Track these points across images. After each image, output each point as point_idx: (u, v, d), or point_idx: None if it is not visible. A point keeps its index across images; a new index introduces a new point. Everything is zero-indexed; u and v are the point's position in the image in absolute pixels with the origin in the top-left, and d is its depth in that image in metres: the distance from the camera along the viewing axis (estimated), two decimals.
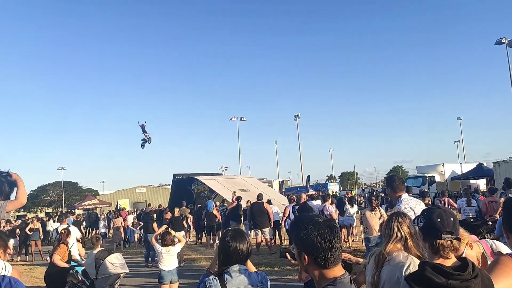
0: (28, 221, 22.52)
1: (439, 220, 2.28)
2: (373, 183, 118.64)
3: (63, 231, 8.97)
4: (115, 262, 7.77)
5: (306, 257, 2.05)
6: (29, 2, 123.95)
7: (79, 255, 10.13)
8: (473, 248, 3.32)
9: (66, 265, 8.50)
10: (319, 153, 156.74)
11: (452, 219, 2.31)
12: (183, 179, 31.30)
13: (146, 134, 29.01)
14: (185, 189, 30.54)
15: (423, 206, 5.03)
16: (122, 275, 7.93)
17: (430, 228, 2.31)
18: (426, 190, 14.29)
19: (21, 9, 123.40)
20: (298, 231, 2.08)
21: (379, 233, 9.62)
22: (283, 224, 16.38)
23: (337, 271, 2.07)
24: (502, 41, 33.07)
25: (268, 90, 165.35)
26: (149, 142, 29.24)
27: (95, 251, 8.11)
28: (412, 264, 3.15)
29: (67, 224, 11.00)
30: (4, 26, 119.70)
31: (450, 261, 2.25)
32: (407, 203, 5.08)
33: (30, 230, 20.07)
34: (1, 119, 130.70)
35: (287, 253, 3.44)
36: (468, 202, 12.07)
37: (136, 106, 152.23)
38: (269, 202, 17.64)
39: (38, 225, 20.75)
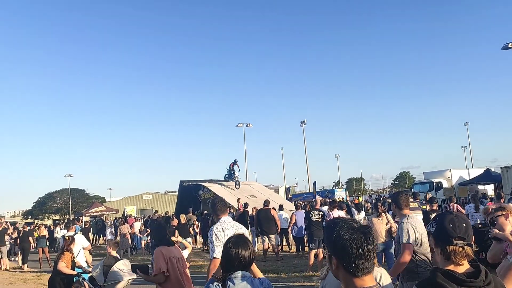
0: (35, 228, 22.57)
1: (450, 225, 2.26)
2: (380, 189, 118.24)
3: (67, 238, 8.98)
4: (123, 269, 7.78)
5: (336, 261, 1.95)
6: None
7: (86, 262, 10.12)
8: None
9: (73, 272, 8.50)
10: (325, 159, 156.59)
11: (464, 224, 2.27)
12: (190, 186, 31.28)
13: (236, 175, 28.90)
14: (192, 195, 30.52)
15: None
16: (129, 281, 7.92)
17: (442, 233, 2.28)
18: (433, 196, 14.16)
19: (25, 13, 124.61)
20: (331, 233, 1.97)
21: (386, 239, 9.56)
22: (290, 230, 16.34)
23: (367, 281, 1.94)
24: (509, 46, 32.94)
25: (274, 96, 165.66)
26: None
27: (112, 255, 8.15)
28: (383, 274, 3.14)
29: (74, 231, 11.00)
30: (12, 29, 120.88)
31: (462, 268, 2.21)
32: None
33: (38, 237, 20.13)
34: (10, 126, 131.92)
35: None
36: (476, 207, 11.97)
37: (143, 114, 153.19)
38: (280, 207, 17.61)
39: (45, 232, 20.81)
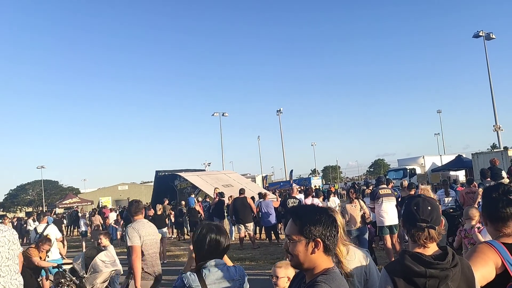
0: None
1: (415, 208, 2.29)
2: (356, 176, 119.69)
3: (44, 236, 8.80)
4: (105, 260, 7.67)
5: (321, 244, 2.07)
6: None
7: (60, 253, 9.96)
8: None
9: (52, 264, 8.39)
10: (302, 147, 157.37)
11: (429, 207, 2.29)
12: (166, 176, 31.10)
13: None
14: (168, 185, 30.35)
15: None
16: (112, 272, 7.83)
17: (407, 216, 2.32)
18: (412, 182, 14.42)
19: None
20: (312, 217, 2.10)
21: (360, 225, 9.69)
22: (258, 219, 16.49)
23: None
24: (480, 34, 33.63)
25: (250, 85, 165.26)
26: None
27: (106, 248, 8.03)
28: (367, 253, 3.22)
29: (47, 222, 10.77)
30: None
31: (430, 250, 2.24)
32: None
33: None
34: None
35: None
36: (446, 193, 12.27)
37: (116, 101, 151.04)
38: (253, 198, 17.65)
39: (9, 225, 20.39)
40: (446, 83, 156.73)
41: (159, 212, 16.74)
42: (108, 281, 7.88)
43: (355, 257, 3.14)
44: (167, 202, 23.23)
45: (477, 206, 6.52)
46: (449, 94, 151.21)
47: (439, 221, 2.31)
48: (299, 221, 2.10)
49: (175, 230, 22.70)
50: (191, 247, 3.51)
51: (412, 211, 2.30)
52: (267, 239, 16.79)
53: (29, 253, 8.25)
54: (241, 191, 16.81)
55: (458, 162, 34.98)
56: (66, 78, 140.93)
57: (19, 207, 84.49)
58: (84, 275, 7.51)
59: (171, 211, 21.99)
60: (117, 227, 22.46)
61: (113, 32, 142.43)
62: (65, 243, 10.97)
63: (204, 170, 39.82)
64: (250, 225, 16.05)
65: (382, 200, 10.38)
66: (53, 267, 8.37)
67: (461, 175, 36.15)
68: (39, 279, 8.53)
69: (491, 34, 33.73)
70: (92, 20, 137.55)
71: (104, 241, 8.21)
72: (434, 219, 2.27)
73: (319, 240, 2.05)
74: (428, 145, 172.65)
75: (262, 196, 16.87)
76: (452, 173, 36.75)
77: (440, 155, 42.78)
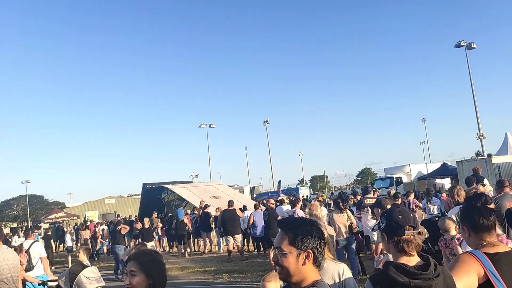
0: None
1: (400, 216, 2.32)
2: (343, 185, 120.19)
3: (14, 249, 8.63)
4: (91, 276, 7.55)
5: (312, 255, 2.09)
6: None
7: (44, 271, 9.80)
8: None
9: (37, 281, 8.26)
10: (289, 157, 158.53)
11: (411, 215, 2.36)
12: (153, 188, 30.90)
13: None
14: (155, 198, 30.15)
15: None
16: None
17: (394, 226, 2.33)
18: (396, 191, 14.56)
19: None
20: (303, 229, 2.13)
21: (347, 235, 9.73)
22: (248, 231, 16.33)
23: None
24: (461, 44, 34.20)
25: (237, 96, 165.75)
26: None
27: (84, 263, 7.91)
28: (345, 269, 3.23)
29: (34, 239, 10.61)
30: None
31: (414, 260, 2.28)
32: None
33: None
34: None
35: None
36: (427, 202, 12.46)
37: (102, 114, 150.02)
38: (244, 208, 17.61)
39: None
40: (430, 92, 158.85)
41: (146, 226, 16.63)
42: None
43: (326, 272, 3.15)
44: (155, 215, 23.09)
45: (451, 216, 6.54)
46: (433, 103, 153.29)
47: (419, 227, 2.37)
48: (290, 233, 2.10)
49: (165, 244, 22.55)
50: None
51: (398, 220, 2.33)
52: (256, 250, 16.74)
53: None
54: (230, 202, 16.77)
55: (444, 170, 35.34)
56: (50, 91, 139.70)
57: (3, 222, 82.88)
58: None
59: (159, 224, 21.86)
60: (103, 241, 22.24)
61: (100, 42, 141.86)
62: (47, 262, 10.77)
63: (191, 182, 39.66)
64: (239, 237, 16.00)
65: (368, 210, 10.44)
66: (38, 284, 8.25)
67: (446, 183, 36.51)
68: None
69: (472, 44, 34.31)
70: (69, 31, 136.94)
71: (82, 256, 8.11)
72: (418, 225, 2.34)
73: (310, 251, 2.07)
74: (414, 153, 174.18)
75: (255, 207, 16.76)
76: (438, 181, 37.11)
77: (426, 163, 43.21)
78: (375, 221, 8.17)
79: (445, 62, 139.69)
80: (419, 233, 2.32)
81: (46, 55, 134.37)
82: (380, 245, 6.83)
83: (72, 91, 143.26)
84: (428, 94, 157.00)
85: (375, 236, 7.17)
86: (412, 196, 14.54)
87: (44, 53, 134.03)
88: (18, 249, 8.53)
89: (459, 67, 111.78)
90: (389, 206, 6.82)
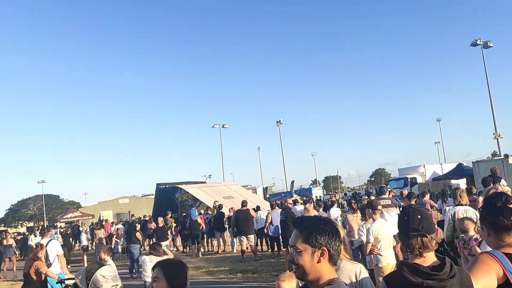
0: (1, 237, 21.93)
1: (405, 218, 2.35)
2: (357, 186, 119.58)
3: (34, 246, 8.78)
4: (107, 275, 7.63)
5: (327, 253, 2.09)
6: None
7: (61, 267, 9.96)
8: None
9: (57, 277, 8.41)
10: (302, 158, 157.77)
11: (419, 216, 2.34)
12: (166, 188, 31.06)
13: None
14: (169, 198, 30.29)
15: None
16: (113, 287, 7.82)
17: (400, 228, 2.39)
18: (411, 192, 14.45)
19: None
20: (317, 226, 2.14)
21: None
22: (266, 231, 16.34)
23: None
24: (477, 42, 33.82)
25: (250, 96, 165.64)
26: None
27: (106, 262, 8.02)
28: (362, 270, 3.22)
29: (50, 238, 10.80)
30: None
31: (428, 260, 2.28)
32: None
33: (4, 247, 19.70)
34: None
35: None
36: (443, 202, 12.33)
37: (117, 115, 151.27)
38: (258, 208, 17.65)
39: (11, 241, 20.35)
40: (445, 91, 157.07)
41: (160, 225, 16.75)
42: None
43: (343, 272, 3.15)
44: (170, 215, 23.25)
45: (469, 217, 6.49)
46: (448, 102, 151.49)
47: (431, 229, 2.34)
48: (304, 231, 2.12)
49: (178, 244, 22.69)
50: None
51: (403, 222, 2.36)
52: (270, 250, 16.76)
53: (37, 266, 8.28)
54: (244, 203, 16.83)
55: (459, 171, 34.94)
56: (66, 91, 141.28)
57: (20, 222, 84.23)
58: None
59: (173, 223, 21.99)
60: (117, 241, 22.46)
61: (112, 41, 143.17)
62: (64, 260, 10.94)
63: (205, 182, 39.78)
64: (252, 237, 16.04)
65: (382, 211, 10.38)
66: (57, 282, 8.39)
67: (462, 183, 36.07)
68: None
69: (488, 43, 33.91)
70: (82, 28, 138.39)
71: (104, 255, 8.22)
72: (425, 227, 2.32)
73: (325, 248, 2.07)
74: (428, 154, 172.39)
75: (272, 206, 16.79)
76: (453, 181, 36.67)
77: (441, 164, 42.73)
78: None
79: (461, 61, 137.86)
80: (422, 235, 2.30)
81: (63, 52, 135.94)
82: (369, 245, 6.85)
83: (88, 91, 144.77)
84: (443, 94, 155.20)
85: (363, 236, 7.17)
86: (427, 197, 14.42)
87: (61, 50, 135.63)
88: (39, 246, 8.70)
89: (475, 66, 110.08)
90: (380, 207, 6.85)
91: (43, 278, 8.26)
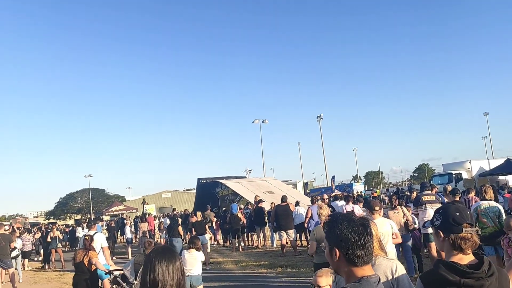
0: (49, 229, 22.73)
1: (457, 213, 2.29)
2: (399, 182, 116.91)
3: (87, 238, 9.15)
4: None
5: (338, 253, 2.05)
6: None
7: (106, 259, 10.34)
8: None
9: (105, 269, 8.76)
10: (343, 153, 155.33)
11: (469, 212, 2.32)
12: (208, 183, 31.53)
13: None
14: (210, 192, 30.76)
15: None
16: None
17: (450, 223, 2.29)
18: (455, 188, 14.02)
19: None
20: (332, 227, 2.10)
21: (403, 232, 9.54)
22: (306, 225, 16.34)
23: (367, 270, 2.06)
24: None
25: (290, 91, 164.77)
26: None
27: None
28: (398, 266, 3.18)
29: (96, 230, 11.22)
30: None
31: (467, 259, 2.24)
32: None
33: (50, 238, 20.40)
34: (32, 129, 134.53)
35: None
36: (495, 199, 11.86)
37: (160, 112, 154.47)
38: (296, 203, 17.65)
39: (57, 233, 21.09)
40: (493, 83, 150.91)
41: (198, 219, 17.04)
42: None
43: (378, 269, 3.10)
44: (210, 209, 23.58)
45: (491, 210, 6.28)
46: (496, 95, 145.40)
47: (476, 226, 2.32)
48: (326, 228, 2.16)
49: (219, 238, 22.98)
50: None
51: (455, 217, 2.29)
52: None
53: (90, 256, 8.65)
54: (284, 198, 16.87)
55: (507, 166, 33.61)
56: (113, 92, 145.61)
57: (68, 214, 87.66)
58: (134, 282, 7.78)
59: (213, 218, 22.29)
60: (161, 234, 22.99)
61: (158, 41, 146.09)
62: (109, 252, 11.32)
63: (245, 177, 40.10)
64: (292, 232, 16.05)
65: (426, 207, 10.17)
66: (105, 273, 8.73)
67: (510, 179, 34.73)
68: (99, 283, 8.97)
69: None
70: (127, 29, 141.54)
71: (149, 249, 8.46)
72: (475, 224, 2.30)
73: (336, 248, 2.06)
74: (475, 149, 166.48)
75: (312, 201, 16.77)
76: (501, 177, 35.35)
77: (488, 159, 41.31)
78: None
79: (510, 52, 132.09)
80: (477, 232, 2.28)
81: (106, 52, 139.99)
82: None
83: (133, 90, 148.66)
84: (490, 87, 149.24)
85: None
86: (473, 194, 13.92)
87: (105, 51, 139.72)
88: (90, 238, 9.09)
89: None
90: (377, 208, 6.76)
91: (93, 269, 8.62)
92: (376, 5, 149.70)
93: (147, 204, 48.90)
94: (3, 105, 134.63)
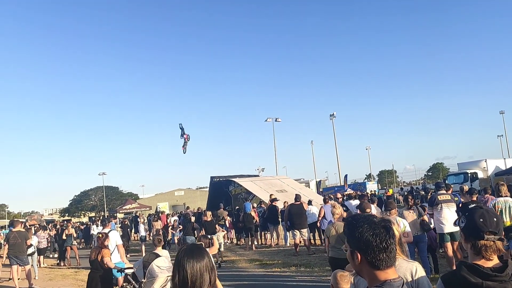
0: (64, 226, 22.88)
1: (481, 220, 2.24)
2: (413, 181, 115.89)
3: (100, 236, 9.20)
4: (162, 265, 7.90)
5: (359, 256, 1.98)
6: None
7: (120, 257, 10.41)
8: None
9: (117, 267, 8.83)
10: (356, 151, 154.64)
11: (495, 219, 2.26)
12: (220, 181, 31.53)
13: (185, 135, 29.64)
14: (223, 191, 30.77)
15: None
16: (168, 278, 8.06)
17: (473, 228, 2.26)
18: (472, 187, 13.81)
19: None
20: (353, 229, 2.03)
21: (418, 232, 9.45)
22: (319, 224, 16.27)
23: (390, 273, 1.99)
24: None
25: (303, 90, 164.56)
26: (185, 145, 29.97)
27: (156, 251, 8.31)
28: (418, 268, 3.13)
29: (110, 228, 11.31)
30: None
31: (491, 262, 2.20)
32: None
33: (65, 235, 20.54)
34: (46, 128, 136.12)
35: None
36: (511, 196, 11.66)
37: (173, 110, 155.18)
38: (309, 202, 17.61)
39: (72, 230, 21.24)
40: (509, 82, 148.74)
41: (208, 219, 17.09)
42: (166, 286, 8.11)
43: (397, 271, 3.06)
44: (222, 207, 23.60)
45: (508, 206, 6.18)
46: None
47: (502, 232, 2.27)
48: (346, 230, 2.09)
49: (232, 236, 22.99)
50: None
51: (478, 223, 2.25)
52: (323, 244, 16.66)
53: (103, 254, 8.72)
54: (298, 197, 16.83)
55: None
56: (125, 91, 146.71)
57: (82, 212, 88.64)
58: (142, 280, 7.80)
59: (226, 216, 22.30)
60: (174, 232, 23.09)
61: (170, 41, 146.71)
62: (123, 250, 11.39)
63: (258, 176, 40.04)
64: (305, 231, 16.01)
65: (441, 207, 10.05)
66: (117, 271, 8.79)
67: None
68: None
69: None
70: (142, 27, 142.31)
71: (156, 247, 8.46)
72: (501, 230, 2.24)
73: (357, 252, 1.99)
74: (491, 148, 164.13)
75: (324, 201, 16.72)
76: None
77: (504, 158, 40.72)
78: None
79: None
80: (500, 239, 2.22)
81: (121, 54, 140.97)
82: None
83: (145, 90, 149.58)
84: (507, 85, 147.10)
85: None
86: (489, 193, 13.75)
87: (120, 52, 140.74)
88: (104, 235, 9.16)
89: None
90: (369, 210, 6.65)
91: (107, 266, 8.69)
92: (392, 6, 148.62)
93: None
94: (19, 107, 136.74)
